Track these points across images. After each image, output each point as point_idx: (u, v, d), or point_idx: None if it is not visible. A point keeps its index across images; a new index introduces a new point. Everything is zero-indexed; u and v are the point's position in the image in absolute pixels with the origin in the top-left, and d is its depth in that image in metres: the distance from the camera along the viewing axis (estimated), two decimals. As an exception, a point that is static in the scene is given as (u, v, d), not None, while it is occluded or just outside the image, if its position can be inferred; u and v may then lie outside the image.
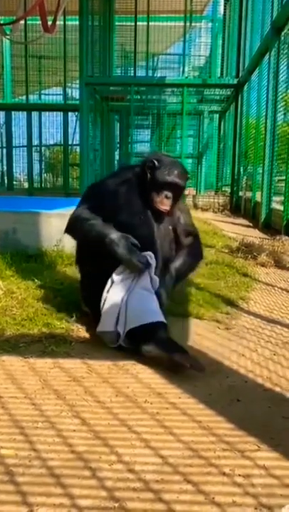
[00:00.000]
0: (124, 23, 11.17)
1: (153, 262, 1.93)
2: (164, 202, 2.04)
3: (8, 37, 6.30)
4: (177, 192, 2.08)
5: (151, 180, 2.05)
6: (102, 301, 1.91)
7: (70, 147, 13.44)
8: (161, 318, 1.83)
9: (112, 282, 1.92)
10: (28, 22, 10.57)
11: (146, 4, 10.57)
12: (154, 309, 1.85)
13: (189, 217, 2.28)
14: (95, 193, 2.18)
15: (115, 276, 1.92)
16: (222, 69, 10.92)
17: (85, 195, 2.23)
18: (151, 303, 1.88)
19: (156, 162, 2.05)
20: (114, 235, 1.94)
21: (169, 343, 1.77)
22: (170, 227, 2.14)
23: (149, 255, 1.93)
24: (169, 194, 2.04)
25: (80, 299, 2.22)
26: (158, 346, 1.74)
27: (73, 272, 3.02)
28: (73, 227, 2.15)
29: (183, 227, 2.19)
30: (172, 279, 2.08)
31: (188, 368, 1.65)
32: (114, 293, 1.90)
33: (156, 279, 1.94)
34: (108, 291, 1.91)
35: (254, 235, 5.25)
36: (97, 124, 10.59)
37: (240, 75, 9.13)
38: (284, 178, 5.49)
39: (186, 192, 9.70)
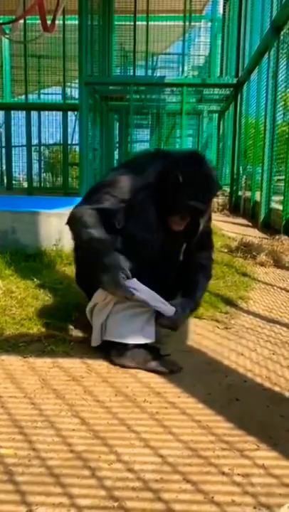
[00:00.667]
0: (123, 23, 11.18)
1: (144, 296, 1.65)
2: (178, 223, 1.80)
3: (7, 36, 6.29)
4: (197, 215, 1.79)
5: (170, 197, 1.75)
6: (90, 312, 1.84)
7: (69, 147, 13.46)
8: (141, 340, 1.72)
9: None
10: (27, 21, 10.55)
11: (145, 4, 10.57)
12: (135, 330, 1.71)
13: (209, 228, 2.01)
14: (111, 188, 1.80)
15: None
16: (221, 68, 10.93)
17: (99, 187, 1.87)
18: (133, 322, 1.73)
19: (180, 178, 1.71)
20: (109, 259, 1.64)
21: (145, 352, 1.72)
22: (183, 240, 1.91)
23: (139, 289, 1.64)
24: (187, 216, 1.79)
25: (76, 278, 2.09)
26: (133, 358, 1.71)
27: (72, 271, 3.02)
28: (73, 226, 1.85)
29: (199, 240, 1.91)
30: (194, 306, 1.89)
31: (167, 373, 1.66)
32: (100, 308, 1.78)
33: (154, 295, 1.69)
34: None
35: (253, 235, 5.25)
36: (97, 123, 10.59)
37: (239, 74, 9.13)
38: (283, 177, 5.49)
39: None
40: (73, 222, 1.83)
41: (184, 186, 1.72)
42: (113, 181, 1.82)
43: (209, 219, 2.00)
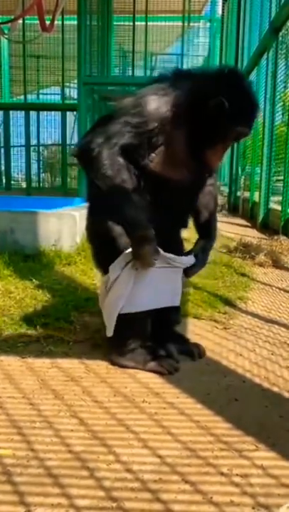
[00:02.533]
0: (122, 23, 11.19)
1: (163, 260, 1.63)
2: (218, 156, 1.59)
3: (6, 36, 6.29)
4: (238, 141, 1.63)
5: (211, 126, 1.50)
6: (102, 301, 1.73)
7: (68, 147, 13.44)
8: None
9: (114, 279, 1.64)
10: (26, 21, 10.56)
11: (144, 4, 10.57)
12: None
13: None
14: (132, 115, 1.51)
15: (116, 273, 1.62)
16: (220, 69, 10.92)
17: (118, 113, 1.55)
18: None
19: (226, 103, 1.45)
20: (143, 232, 1.50)
21: (144, 353, 1.72)
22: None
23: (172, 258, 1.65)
24: (228, 145, 1.59)
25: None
26: (132, 359, 1.71)
27: (71, 271, 3.02)
28: (89, 169, 1.56)
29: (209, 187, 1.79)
30: (212, 243, 1.86)
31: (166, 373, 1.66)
32: (113, 293, 1.69)
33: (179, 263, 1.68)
34: (109, 290, 1.66)
35: (252, 235, 5.26)
36: (96, 123, 10.56)
37: (238, 75, 9.13)
38: (282, 178, 5.50)
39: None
40: (90, 164, 1.55)
41: (230, 111, 1.46)
42: (135, 105, 1.52)
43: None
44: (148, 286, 1.65)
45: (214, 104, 1.46)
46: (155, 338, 1.78)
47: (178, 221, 1.80)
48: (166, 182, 1.59)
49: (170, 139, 1.54)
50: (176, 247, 1.80)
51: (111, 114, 1.60)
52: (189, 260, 1.75)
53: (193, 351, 1.81)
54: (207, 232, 1.85)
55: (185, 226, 1.85)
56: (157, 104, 1.51)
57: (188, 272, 1.77)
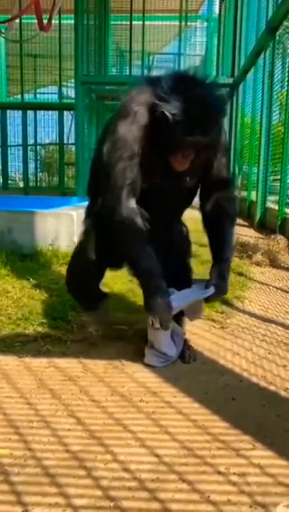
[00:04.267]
0: (119, 22, 11.18)
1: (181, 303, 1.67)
2: (182, 162, 1.58)
3: (3, 35, 6.27)
4: (201, 150, 1.56)
5: (164, 137, 1.52)
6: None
7: (65, 146, 13.43)
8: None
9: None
10: (23, 20, 10.54)
11: (141, 3, 10.57)
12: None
13: (225, 160, 1.78)
14: (120, 150, 1.56)
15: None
16: (217, 68, 10.93)
17: (110, 158, 1.58)
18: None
19: (169, 116, 1.45)
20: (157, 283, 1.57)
21: None
22: (195, 180, 1.73)
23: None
24: (189, 154, 1.56)
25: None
26: None
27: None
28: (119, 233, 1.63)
29: (216, 175, 1.74)
30: (229, 266, 1.81)
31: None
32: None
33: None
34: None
35: (249, 235, 5.26)
36: (93, 123, 10.57)
37: (235, 74, 9.14)
38: (279, 177, 5.51)
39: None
40: (118, 228, 1.61)
41: (174, 122, 1.45)
42: (116, 140, 1.57)
43: (225, 150, 1.77)
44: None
45: (159, 116, 1.48)
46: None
47: (167, 222, 1.82)
48: (149, 189, 1.63)
49: (142, 156, 1.58)
50: (171, 232, 1.85)
51: (101, 163, 1.63)
52: (208, 292, 1.72)
53: (185, 353, 1.79)
54: (220, 253, 1.80)
55: (177, 218, 1.91)
56: (129, 130, 1.55)
57: (208, 299, 1.76)
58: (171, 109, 1.46)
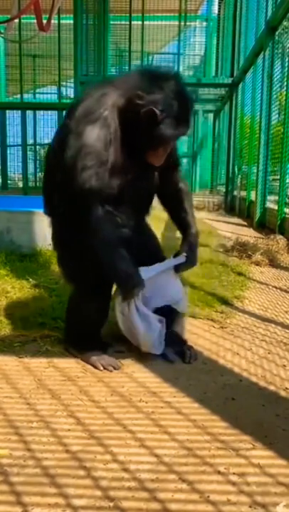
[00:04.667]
0: (118, 22, 11.15)
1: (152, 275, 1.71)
2: (161, 156, 1.64)
3: (2, 35, 6.27)
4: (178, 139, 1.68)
5: (145, 135, 1.54)
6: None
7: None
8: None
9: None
10: (22, 20, 10.51)
11: (140, 3, 10.56)
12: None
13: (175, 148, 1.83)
14: (87, 156, 1.53)
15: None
16: (217, 68, 10.95)
17: (76, 161, 1.53)
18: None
19: (158, 113, 1.49)
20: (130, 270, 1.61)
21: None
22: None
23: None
24: (168, 147, 1.64)
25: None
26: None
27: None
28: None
29: (171, 162, 1.78)
30: (197, 235, 1.87)
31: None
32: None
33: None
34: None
35: (249, 234, 5.26)
36: (92, 123, 10.54)
37: (234, 74, 9.14)
38: (278, 177, 5.51)
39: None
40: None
41: (164, 118, 1.51)
42: (82, 147, 1.53)
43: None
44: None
45: (146, 114, 1.50)
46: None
47: (140, 212, 1.85)
48: (122, 188, 1.64)
49: (116, 150, 1.58)
50: (142, 230, 1.88)
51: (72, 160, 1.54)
52: (179, 260, 1.80)
53: (186, 353, 1.81)
54: (187, 228, 1.88)
55: (148, 213, 1.91)
56: (97, 135, 1.53)
57: (178, 268, 1.82)
58: (157, 105, 1.49)
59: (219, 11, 10.84)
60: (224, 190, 9.77)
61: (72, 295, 1.88)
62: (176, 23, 10.89)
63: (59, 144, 1.64)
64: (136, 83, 1.57)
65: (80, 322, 1.83)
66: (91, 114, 1.56)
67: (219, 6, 10.81)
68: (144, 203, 1.85)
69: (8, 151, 13.40)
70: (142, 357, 1.77)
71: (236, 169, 9.22)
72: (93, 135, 1.53)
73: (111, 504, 1.02)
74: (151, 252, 1.91)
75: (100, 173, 1.55)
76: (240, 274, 3.18)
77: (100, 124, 1.54)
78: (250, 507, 1.02)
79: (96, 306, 1.78)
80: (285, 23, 5.69)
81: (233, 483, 1.10)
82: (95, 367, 1.71)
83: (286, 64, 5.53)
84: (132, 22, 10.47)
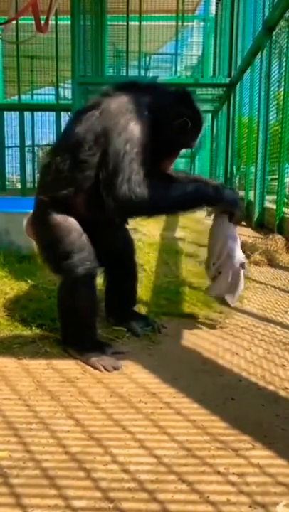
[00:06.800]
0: (116, 23, 11.16)
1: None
2: (172, 164, 1.91)
3: (0, 37, 6.27)
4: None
5: (172, 141, 1.79)
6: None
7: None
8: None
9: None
10: (19, 22, 10.51)
11: (138, 4, 10.56)
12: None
13: None
14: (135, 149, 1.67)
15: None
16: (214, 68, 10.93)
17: (125, 157, 1.65)
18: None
19: (189, 123, 1.74)
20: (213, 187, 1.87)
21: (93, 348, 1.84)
22: None
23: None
24: (177, 156, 1.92)
25: None
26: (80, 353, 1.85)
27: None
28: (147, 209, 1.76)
29: None
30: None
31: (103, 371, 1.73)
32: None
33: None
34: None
35: (247, 234, 5.26)
36: (90, 123, 10.53)
37: (232, 74, 9.14)
38: (276, 177, 5.51)
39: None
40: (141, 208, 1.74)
41: (190, 129, 1.76)
42: (131, 138, 1.66)
43: None
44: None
45: (179, 124, 1.73)
46: (117, 318, 2.11)
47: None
48: None
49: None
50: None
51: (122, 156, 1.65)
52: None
53: (154, 325, 2.07)
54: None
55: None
56: (142, 130, 1.68)
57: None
58: (188, 118, 1.74)
59: (216, 11, 10.84)
60: (222, 190, 9.74)
61: (60, 288, 1.88)
62: (174, 23, 10.92)
63: (86, 131, 1.70)
64: (164, 93, 1.84)
65: (73, 314, 1.83)
66: (134, 110, 1.69)
67: (216, 6, 10.81)
68: None
69: (6, 153, 13.40)
70: (141, 357, 1.77)
71: (234, 169, 9.22)
72: (140, 129, 1.67)
73: (111, 505, 1.02)
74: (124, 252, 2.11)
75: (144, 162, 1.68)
76: (239, 274, 3.18)
77: (143, 120, 1.69)
78: (249, 507, 1.02)
79: (85, 294, 1.80)
80: (282, 22, 5.69)
81: (233, 484, 1.10)
82: (95, 368, 1.71)
83: (283, 64, 5.53)
84: (130, 22, 10.49)
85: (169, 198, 1.75)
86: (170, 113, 1.74)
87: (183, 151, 2.05)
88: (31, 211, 1.96)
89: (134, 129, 1.66)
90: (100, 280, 2.08)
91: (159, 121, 1.73)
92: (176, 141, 1.80)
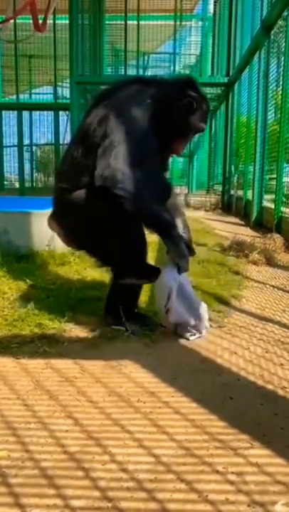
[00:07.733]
0: (114, 22, 11.15)
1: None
2: (184, 146, 2.00)
3: (-3, 36, 6.26)
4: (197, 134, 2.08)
5: (180, 123, 1.90)
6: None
7: (61, 146, 13.39)
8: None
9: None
10: (17, 21, 10.50)
11: (136, 3, 10.55)
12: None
13: None
14: (140, 141, 1.79)
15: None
16: (212, 67, 10.92)
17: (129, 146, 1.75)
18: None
19: (194, 103, 1.87)
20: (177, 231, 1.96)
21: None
22: None
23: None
24: (191, 139, 2.02)
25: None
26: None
27: (65, 271, 3.02)
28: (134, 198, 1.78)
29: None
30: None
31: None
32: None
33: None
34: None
35: (246, 233, 5.27)
36: (88, 123, 10.52)
37: (230, 73, 9.15)
38: (275, 176, 5.51)
39: (178, 191, 9.66)
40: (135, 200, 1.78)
41: (196, 110, 1.88)
42: (129, 122, 1.78)
43: None
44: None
45: (184, 104, 1.86)
46: (117, 317, 2.09)
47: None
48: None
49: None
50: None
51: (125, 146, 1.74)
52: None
53: (153, 324, 2.08)
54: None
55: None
56: (139, 110, 1.81)
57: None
58: (193, 99, 1.86)
59: (215, 11, 10.84)
60: (221, 189, 9.77)
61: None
62: (172, 22, 10.91)
63: (94, 117, 1.83)
64: (170, 84, 1.95)
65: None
66: (138, 100, 1.84)
67: (215, 5, 10.82)
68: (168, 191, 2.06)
69: (4, 152, 13.39)
70: (140, 357, 1.77)
71: (233, 168, 9.23)
72: (138, 114, 1.80)
73: (109, 505, 1.02)
74: None
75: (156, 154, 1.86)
76: (237, 273, 3.19)
77: (144, 107, 1.82)
78: (248, 506, 1.02)
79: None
80: (280, 22, 5.69)
81: (232, 483, 1.10)
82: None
83: (282, 63, 5.53)
84: (128, 22, 10.47)
85: (145, 203, 1.81)
86: (175, 96, 1.87)
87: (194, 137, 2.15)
88: (33, 211, 2.00)
89: (135, 113, 1.79)
90: (106, 278, 2.09)
91: (165, 106, 1.85)
92: (184, 122, 1.90)
